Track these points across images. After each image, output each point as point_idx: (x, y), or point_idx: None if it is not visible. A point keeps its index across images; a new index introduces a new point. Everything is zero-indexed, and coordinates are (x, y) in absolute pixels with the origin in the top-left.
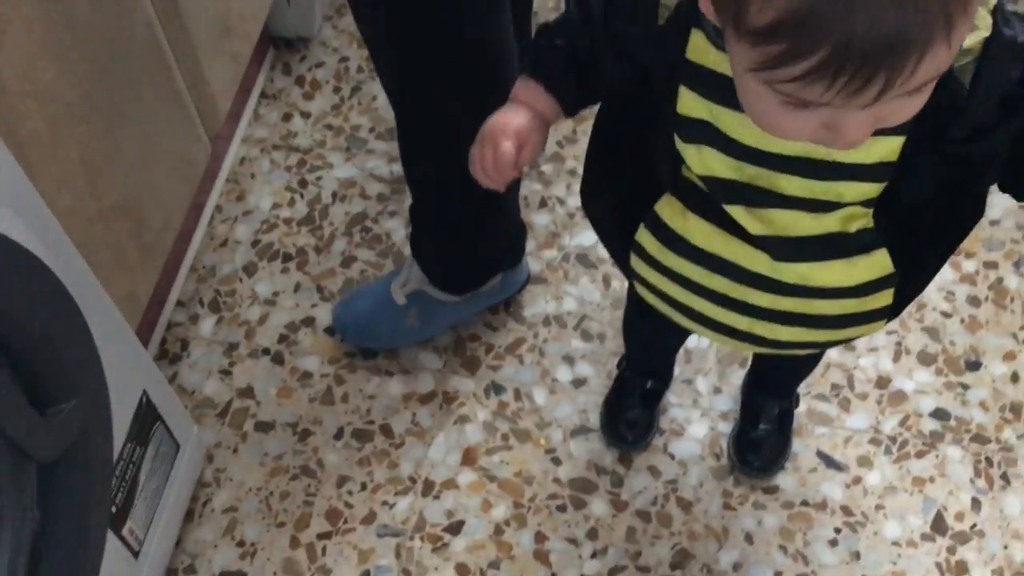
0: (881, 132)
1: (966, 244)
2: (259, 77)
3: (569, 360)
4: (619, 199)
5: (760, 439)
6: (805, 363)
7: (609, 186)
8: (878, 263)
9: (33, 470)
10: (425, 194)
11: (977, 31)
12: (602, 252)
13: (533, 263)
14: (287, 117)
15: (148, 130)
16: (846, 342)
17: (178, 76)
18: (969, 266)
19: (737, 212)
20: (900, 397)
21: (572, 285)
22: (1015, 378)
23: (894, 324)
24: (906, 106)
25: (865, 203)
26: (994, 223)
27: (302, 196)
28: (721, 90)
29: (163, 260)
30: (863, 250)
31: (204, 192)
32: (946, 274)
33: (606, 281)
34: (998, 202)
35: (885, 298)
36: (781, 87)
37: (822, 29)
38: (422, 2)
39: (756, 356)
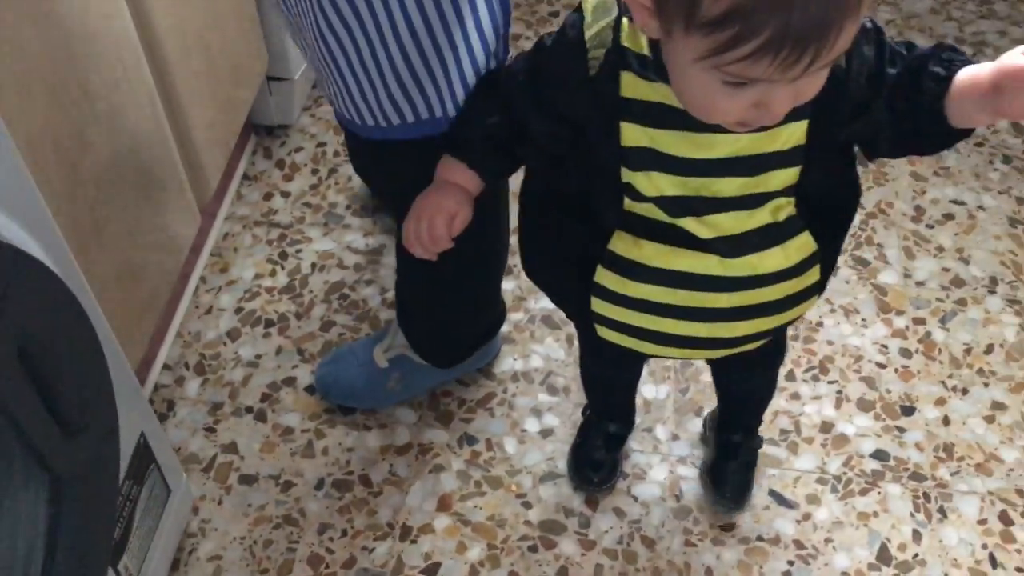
0: (790, 118)
1: (896, 303)
2: (242, 160)
3: (537, 412)
4: (566, 254)
5: (732, 474)
6: (765, 389)
7: (553, 247)
8: (805, 244)
9: (47, 485)
10: (415, 291)
11: None
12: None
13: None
14: (268, 196)
15: (145, 205)
16: (791, 323)
17: (177, 159)
18: (900, 322)
19: (688, 223)
20: (843, 440)
21: (538, 344)
22: (946, 421)
23: (835, 374)
24: (817, 80)
25: (786, 192)
26: (920, 284)
27: (283, 267)
28: (656, 116)
29: (152, 327)
30: (793, 234)
31: (190, 265)
32: (879, 330)
33: (569, 340)
34: (922, 265)
35: (814, 275)
36: (728, 68)
37: (766, 14)
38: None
39: (722, 397)
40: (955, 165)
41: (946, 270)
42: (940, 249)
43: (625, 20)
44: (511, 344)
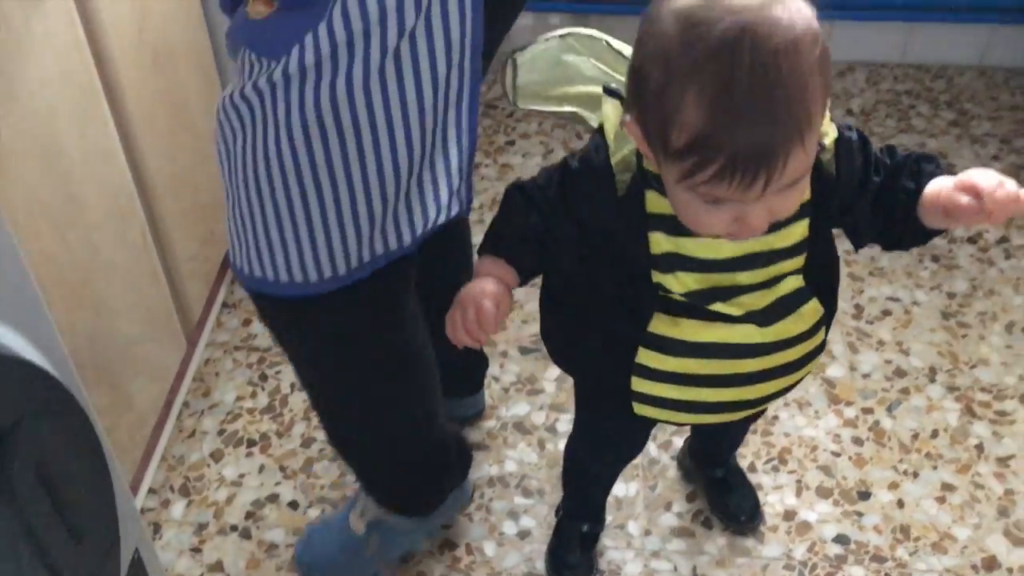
0: (794, 219)
1: (845, 395)
2: (221, 289)
3: (514, 515)
4: (605, 343)
5: (735, 507)
6: (739, 435)
7: (590, 337)
8: (815, 309)
9: None
10: (361, 462)
11: (829, 135)
12: (536, 419)
13: (475, 433)
14: (247, 322)
15: (137, 333)
16: (801, 380)
17: (167, 291)
18: (850, 413)
19: (717, 306)
20: (806, 527)
21: (511, 449)
22: (900, 504)
23: (793, 464)
24: (789, 199)
25: (795, 272)
26: (865, 376)
27: (263, 388)
28: (678, 225)
29: (140, 452)
30: (805, 302)
31: (173, 391)
32: (831, 420)
33: (541, 444)
34: (866, 359)
35: (822, 335)
36: (699, 189)
37: (718, 146)
38: (338, 331)
39: (700, 440)
40: (888, 265)
41: (888, 362)
42: (881, 343)
43: None
44: (485, 451)
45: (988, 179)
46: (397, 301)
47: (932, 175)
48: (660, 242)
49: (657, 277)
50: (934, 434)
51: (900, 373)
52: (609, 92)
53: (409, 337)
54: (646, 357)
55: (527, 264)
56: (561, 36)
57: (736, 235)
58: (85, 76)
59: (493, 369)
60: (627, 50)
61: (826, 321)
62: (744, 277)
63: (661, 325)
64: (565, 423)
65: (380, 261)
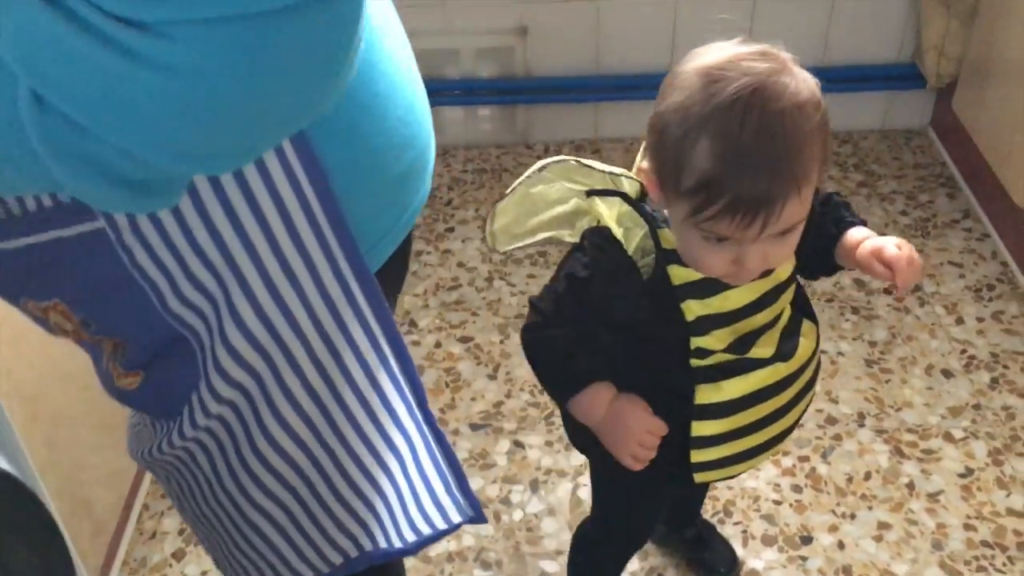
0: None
1: (783, 444)
2: None
3: None
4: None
5: (712, 560)
6: (701, 494)
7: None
8: (811, 327)
9: None
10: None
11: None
12: (490, 492)
13: None
14: None
15: (96, 440)
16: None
17: None
18: (787, 462)
19: (755, 352)
20: (754, 574)
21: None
22: (841, 545)
23: (738, 516)
24: (784, 246)
25: (790, 302)
26: (800, 425)
27: None
28: (704, 288)
29: (101, 558)
30: (801, 323)
31: (132, 495)
32: (771, 471)
33: (496, 517)
34: None
35: (816, 360)
36: (703, 225)
37: (723, 189)
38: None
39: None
40: None
41: (820, 411)
42: None
43: (663, 229)
44: None
45: (899, 255)
46: None
47: (851, 224)
48: (693, 308)
49: (696, 342)
50: (867, 476)
51: (831, 420)
52: (592, 193)
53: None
54: (700, 428)
55: (607, 373)
56: (538, 169)
57: (734, 277)
58: None
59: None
60: (596, 164)
61: (818, 333)
62: (760, 318)
63: (706, 394)
64: (518, 494)
65: None
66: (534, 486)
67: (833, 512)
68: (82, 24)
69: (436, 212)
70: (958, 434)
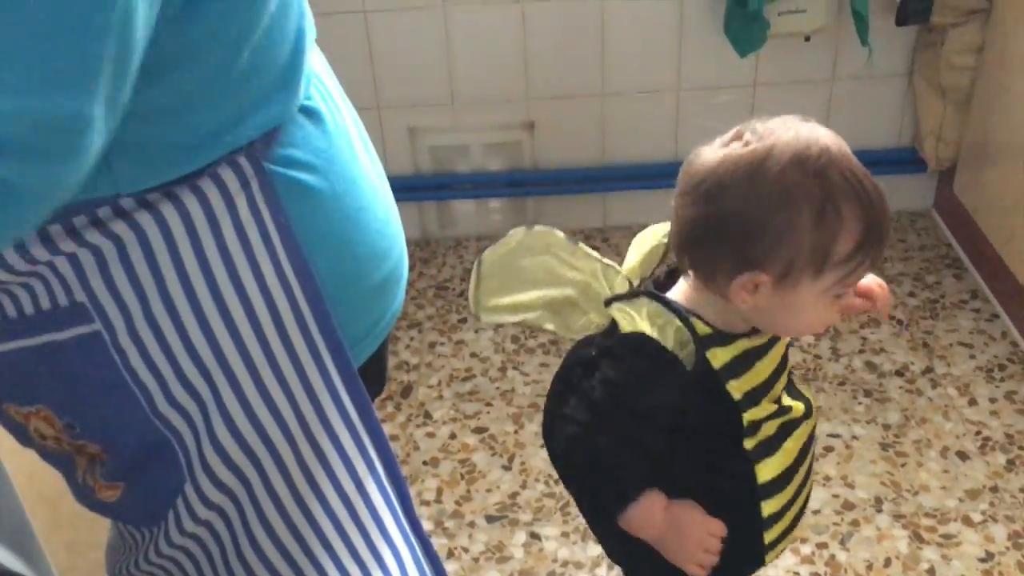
0: None
1: (799, 532)
2: None
3: None
4: (728, 526)
5: None
6: None
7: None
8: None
9: None
10: None
11: None
12: None
13: None
14: None
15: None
16: None
17: None
18: (806, 549)
19: (793, 413)
20: None
21: None
22: None
23: None
24: None
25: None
26: (816, 512)
27: None
28: (742, 363)
29: None
30: (788, 374)
31: None
32: (788, 559)
33: None
34: (815, 495)
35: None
36: (850, 279)
37: (879, 233)
38: None
39: None
40: (825, 403)
41: (836, 496)
42: (827, 478)
43: (695, 319)
44: None
45: (870, 284)
46: None
47: None
48: (738, 386)
49: (748, 416)
50: (887, 563)
51: (848, 506)
52: (610, 302)
53: None
54: (769, 507)
55: (656, 480)
56: (526, 229)
57: (831, 323)
58: None
59: (462, 539)
60: (588, 249)
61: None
62: (782, 380)
63: (767, 470)
64: None
65: None
66: None
67: None
68: None
69: (449, 303)
70: (977, 517)
